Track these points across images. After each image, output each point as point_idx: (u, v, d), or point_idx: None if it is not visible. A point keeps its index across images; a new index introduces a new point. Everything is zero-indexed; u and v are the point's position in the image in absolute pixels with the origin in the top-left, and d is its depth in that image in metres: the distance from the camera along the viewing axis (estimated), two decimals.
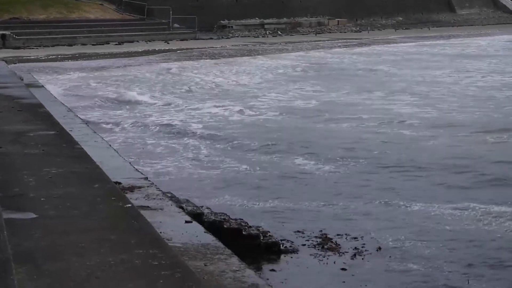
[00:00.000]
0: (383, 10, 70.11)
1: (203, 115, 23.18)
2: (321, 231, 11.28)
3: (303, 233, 11.22)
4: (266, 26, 61.13)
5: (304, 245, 10.68)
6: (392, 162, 16.28)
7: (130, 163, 12.09)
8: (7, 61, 31.17)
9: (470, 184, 14.40)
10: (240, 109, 24.02)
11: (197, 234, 8.09)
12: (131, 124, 21.50)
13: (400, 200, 13.11)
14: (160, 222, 8.26)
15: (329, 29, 64.09)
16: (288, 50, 48.71)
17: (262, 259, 9.89)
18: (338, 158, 16.53)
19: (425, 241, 10.91)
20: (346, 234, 11.19)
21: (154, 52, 45.98)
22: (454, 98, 26.80)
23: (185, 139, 19.22)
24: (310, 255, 10.27)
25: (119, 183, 9.68)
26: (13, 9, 50.08)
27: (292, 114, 23.25)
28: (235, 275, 6.87)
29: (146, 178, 10.56)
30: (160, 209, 8.91)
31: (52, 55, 42.58)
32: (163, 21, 54.56)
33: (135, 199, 9.05)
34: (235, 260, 7.29)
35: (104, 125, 21.23)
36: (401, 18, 70.87)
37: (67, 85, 29.85)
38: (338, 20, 65.72)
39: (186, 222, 8.53)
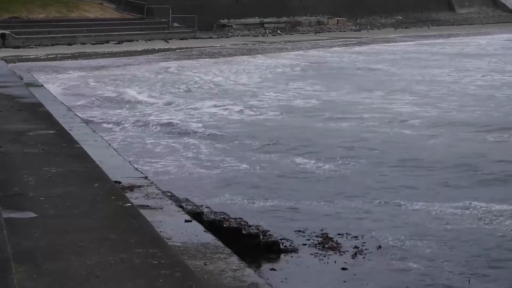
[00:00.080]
0: (383, 9, 70.12)
1: (203, 114, 23.18)
2: (322, 230, 11.27)
3: (303, 232, 11.22)
4: (265, 25, 61.13)
5: (305, 244, 10.67)
6: (393, 161, 16.28)
7: (129, 162, 12.08)
8: (7, 60, 31.16)
9: (470, 183, 14.41)
10: (240, 108, 24.02)
11: (197, 233, 8.09)
12: (130, 123, 21.50)
13: (400, 199, 13.11)
14: (160, 221, 8.26)
15: (329, 28, 64.10)
16: (287, 49, 48.70)
17: (262, 258, 9.89)
18: (338, 157, 16.53)
19: (425, 240, 10.90)
20: (346, 233, 11.19)
21: (153, 51, 45.98)
22: (454, 97, 26.79)
23: (185, 138, 19.22)
24: (311, 254, 10.27)
25: (119, 182, 9.67)
26: (13, 8, 50.07)
27: (292, 113, 23.25)
28: (234, 274, 6.87)
29: (146, 177, 10.55)
30: (160, 208, 8.91)
31: (51, 54, 42.57)
32: (163, 20, 54.56)
33: (135, 198, 9.04)
34: (234, 259, 7.28)
35: (104, 124, 21.22)
36: (400, 17, 70.87)
37: (66, 84, 29.85)
38: (337, 19, 65.73)
39: (186, 221, 8.53)
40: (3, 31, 46.23)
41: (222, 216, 10.50)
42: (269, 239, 10.28)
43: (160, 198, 9.35)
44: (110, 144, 13.62)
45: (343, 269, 9.71)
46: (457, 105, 24.79)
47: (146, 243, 5.85)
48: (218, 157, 16.80)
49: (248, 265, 7.40)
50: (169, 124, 21.26)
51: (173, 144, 18.38)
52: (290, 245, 10.48)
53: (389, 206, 12.76)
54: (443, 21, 73.07)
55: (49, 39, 47.83)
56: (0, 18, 48.73)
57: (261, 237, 10.22)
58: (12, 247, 5.65)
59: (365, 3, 68.51)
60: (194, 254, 7.37)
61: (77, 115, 16.66)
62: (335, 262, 9.93)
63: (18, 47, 45.25)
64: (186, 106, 24.96)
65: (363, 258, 10.17)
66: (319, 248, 10.47)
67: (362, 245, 10.62)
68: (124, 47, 47.63)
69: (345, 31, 63.45)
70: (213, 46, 49.25)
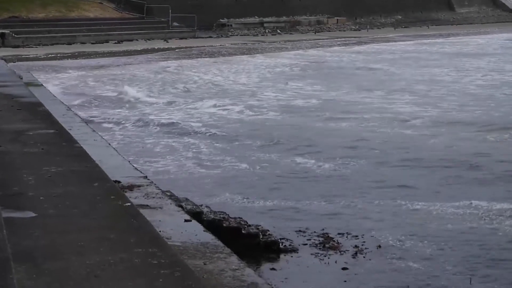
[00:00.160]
0: (383, 9, 70.08)
1: (203, 113, 23.18)
2: (322, 230, 11.27)
3: (303, 232, 11.21)
4: (265, 25, 61.11)
5: (305, 244, 10.66)
6: (393, 161, 16.28)
7: (129, 161, 12.08)
8: (6, 59, 31.17)
9: (471, 183, 14.40)
10: (240, 108, 24.01)
11: (197, 233, 8.09)
12: (130, 122, 21.50)
13: (401, 199, 13.11)
14: (160, 221, 8.26)
15: (328, 27, 64.08)
16: (287, 48, 48.69)
17: (262, 258, 9.89)
18: (338, 157, 16.52)
19: (426, 239, 10.90)
20: (346, 232, 11.19)
21: (153, 50, 45.97)
22: (454, 97, 26.78)
23: (185, 138, 19.22)
24: (311, 254, 10.26)
25: (119, 182, 9.68)
26: (13, 8, 50.05)
27: (292, 113, 23.24)
28: (234, 274, 6.87)
29: (146, 177, 10.55)
30: (160, 208, 8.91)
31: (51, 54, 42.56)
32: (163, 19, 54.53)
33: (135, 198, 9.04)
34: (234, 259, 7.28)
35: (104, 124, 21.22)
36: (400, 17, 70.85)
37: (66, 84, 29.85)
38: (337, 19, 65.70)
39: (186, 221, 8.53)
40: (3, 31, 46.21)
41: (221, 216, 10.50)
42: (269, 239, 10.28)
43: (159, 197, 9.35)
44: (109, 144, 13.61)
45: (344, 268, 9.71)
46: (457, 104, 24.78)
47: (146, 242, 5.85)
48: (218, 157, 16.80)
49: (248, 265, 7.40)
50: (169, 123, 21.25)
51: (173, 144, 18.38)
52: (289, 245, 10.47)
53: (390, 205, 12.76)
54: (443, 21, 73.05)
55: (49, 38, 47.81)
56: (0, 18, 48.70)
57: (261, 236, 10.22)
58: (12, 247, 5.65)
59: (364, 3, 68.49)
60: (194, 254, 7.37)
61: (76, 114, 16.65)
62: (335, 262, 9.93)
63: (18, 46, 45.23)
64: (185, 105, 24.96)
65: (364, 257, 10.17)
66: (319, 248, 10.47)
67: (362, 245, 10.62)
68: (124, 46, 47.61)
69: (344, 31, 63.42)
70: (212, 46, 49.23)
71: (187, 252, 7.38)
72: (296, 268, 9.79)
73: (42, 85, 22.64)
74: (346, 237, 11.01)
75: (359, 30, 64.46)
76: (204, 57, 42.32)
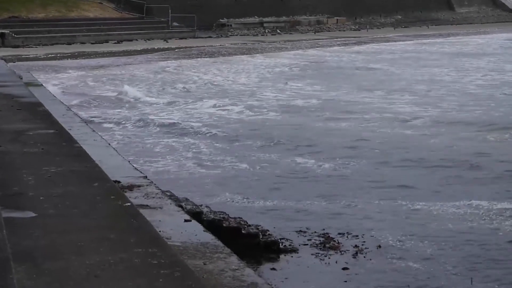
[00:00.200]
0: (382, 9, 70.09)
1: (202, 113, 23.18)
2: (322, 230, 11.27)
3: (303, 232, 11.21)
4: (265, 25, 61.11)
5: (305, 244, 10.66)
6: (393, 161, 16.27)
7: (129, 161, 12.08)
8: (6, 59, 31.16)
9: (471, 183, 14.40)
10: (240, 108, 24.02)
11: (196, 233, 8.08)
12: (130, 122, 21.50)
13: (401, 199, 13.11)
14: (159, 221, 8.25)
15: (328, 27, 64.09)
16: (287, 48, 48.70)
17: (262, 258, 9.89)
18: (339, 157, 16.52)
19: (427, 239, 10.89)
20: (347, 232, 11.19)
21: (153, 50, 45.97)
22: (454, 97, 26.78)
23: (185, 137, 19.21)
24: (311, 254, 10.26)
25: (118, 182, 9.67)
26: (12, 8, 50.05)
27: (292, 113, 23.24)
28: (234, 274, 6.86)
29: (145, 177, 10.55)
30: (159, 208, 8.90)
31: (51, 54, 42.56)
32: (162, 19, 54.54)
33: (134, 198, 9.04)
34: (234, 259, 7.28)
35: (103, 124, 21.22)
36: (400, 17, 70.85)
37: (66, 84, 29.85)
38: (337, 19, 65.71)
39: (185, 221, 8.52)
40: (3, 31, 46.21)
41: (221, 216, 10.50)
42: (269, 239, 10.28)
43: (159, 197, 9.35)
44: (109, 144, 13.61)
45: (344, 269, 9.70)
46: (457, 104, 24.78)
47: (146, 242, 5.85)
48: (218, 157, 16.80)
49: (248, 265, 7.40)
50: (169, 123, 21.25)
51: (173, 144, 18.38)
52: (289, 245, 10.47)
53: (390, 205, 12.75)
54: (443, 21, 73.05)
55: (49, 38, 47.82)
56: (0, 18, 48.70)
57: (261, 236, 10.22)
58: (12, 247, 5.65)
59: (364, 3, 68.49)
60: (194, 254, 7.37)
61: (76, 114, 16.65)
62: (336, 262, 9.92)
63: (18, 46, 45.23)
64: (185, 105, 24.96)
65: (364, 257, 10.16)
66: (320, 248, 10.46)
67: (363, 244, 10.61)
68: (124, 46, 47.62)
69: (344, 31, 63.43)
70: (212, 46, 49.24)
71: (187, 252, 7.38)
72: (296, 268, 9.79)
73: (42, 85, 22.64)
74: (347, 237, 11.01)
75: (359, 30, 64.46)
76: (204, 57, 42.32)
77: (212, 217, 10.24)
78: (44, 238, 5.94)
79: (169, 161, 16.44)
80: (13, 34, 46.41)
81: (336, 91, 28.24)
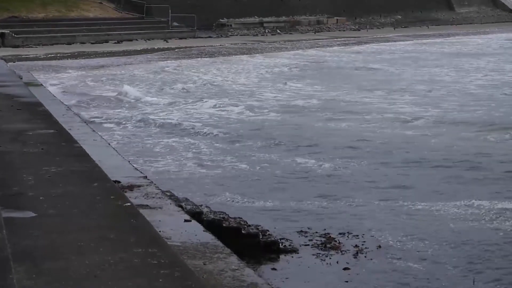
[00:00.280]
0: (382, 9, 70.10)
1: (202, 113, 23.17)
2: (323, 230, 11.26)
3: (304, 232, 11.20)
4: (265, 25, 61.11)
5: (306, 244, 10.65)
6: (394, 161, 16.26)
7: (129, 161, 12.09)
8: (6, 59, 31.17)
9: (472, 182, 14.39)
10: (240, 108, 24.01)
11: (196, 233, 8.08)
12: (130, 122, 21.49)
13: (402, 198, 13.10)
14: (159, 221, 8.25)
15: (328, 27, 64.09)
16: (287, 48, 48.69)
17: (262, 258, 9.88)
18: (339, 157, 16.51)
19: (428, 239, 10.88)
20: (347, 232, 11.18)
21: (153, 50, 45.96)
22: (454, 97, 26.78)
23: (185, 137, 19.21)
24: (312, 254, 10.25)
25: (118, 182, 9.67)
26: (12, 8, 50.05)
27: (293, 113, 23.23)
28: (234, 274, 6.86)
29: (145, 177, 10.55)
30: (159, 208, 8.90)
31: (51, 54, 42.55)
32: (162, 19, 54.53)
33: (134, 198, 9.04)
34: (234, 259, 7.28)
35: (103, 124, 21.22)
36: (400, 17, 70.86)
37: (66, 84, 29.85)
38: (337, 19, 65.71)
39: (185, 221, 8.52)
40: (3, 31, 46.20)
41: (221, 216, 10.50)
42: (269, 239, 10.28)
43: (159, 197, 9.35)
44: (109, 144, 13.62)
45: (345, 269, 9.70)
46: (458, 105, 24.78)
47: (146, 242, 5.85)
48: (218, 157, 16.80)
49: (248, 265, 7.40)
50: (169, 123, 21.24)
51: (173, 144, 18.37)
52: (289, 245, 10.46)
53: (391, 205, 12.75)
54: (443, 21, 73.07)
55: (49, 38, 47.81)
56: (0, 18, 48.69)
57: (261, 236, 10.22)
58: (12, 247, 5.65)
59: (364, 3, 68.50)
60: (194, 254, 7.36)
61: (76, 114, 16.66)
62: (337, 262, 9.91)
63: (18, 46, 45.23)
64: (185, 105, 24.95)
65: (365, 257, 10.16)
66: (320, 248, 10.45)
67: (363, 244, 10.60)
68: (124, 46, 47.61)
69: (344, 31, 63.44)
70: (212, 46, 49.23)
71: (187, 252, 7.38)
72: (297, 268, 9.78)
73: (42, 85, 22.66)
74: (347, 236, 11.00)
75: (359, 30, 64.47)
76: (204, 57, 42.32)
77: (212, 217, 10.24)
78: (44, 238, 5.94)
79: (169, 161, 16.43)
80: (13, 34, 46.41)
81: (336, 91, 28.23)
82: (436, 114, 22.72)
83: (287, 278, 9.43)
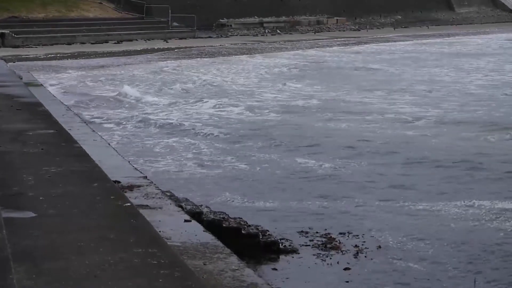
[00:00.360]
0: (382, 9, 70.09)
1: (202, 114, 23.17)
2: (323, 230, 11.26)
3: (304, 232, 11.20)
4: (265, 25, 61.10)
5: (306, 244, 10.64)
6: (395, 161, 16.26)
7: (129, 162, 12.09)
8: (6, 60, 31.16)
9: (473, 182, 14.39)
10: (240, 108, 24.01)
11: (196, 233, 8.08)
12: (130, 123, 21.49)
13: (403, 199, 13.10)
14: (159, 221, 8.25)
15: (328, 27, 64.09)
16: (287, 48, 48.69)
17: (262, 258, 9.88)
18: (339, 157, 16.51)
19: (429, 239, 10.88)
20: (348, 232, 11.18)
21: (153, 50, 45.96)
22: (454, 97, 26.78)
23: (185, 138, 19.21)
24: (313, 255, 10.24)
25: (118, 182, 9.67)
26: (12, 8, 50.04)
27: (293, 113, 23.23)
28: (234, 274, 6.86)
29: (145, 177, 10.55)
30: (159, 208, 8.90)
31: (51, 54, 42.55)
32: (162, 19, 54.52)
33: (134, 198, 9.04)
34: (234, 259, 7.28)
35: (103, 124, 21.22)
36: (400, 17, 70.86)
37: (66, 84, 29.84)
38: (337, 19, 65.71)
39: (185, 221, 8.52)
40: (3, 31, 46.18)
41: (221, 216, 10.50)
42: (269, 239, 10.28)
43: (159, 197, 9.35)
44: (109, 144, 13.62)
45: (346, 269, 9.69)
46: (458, 105, 24.78)
47: (146, 242, 5.85)
48: (218, 157, 16.80)
49: (248, 265, 7.40)
50: (169, 124, 21.25)
51: (173, 144, 18.37)
52: (289, 245, 10.46)
53: (392, 205, 12.74)
54: (443, 21, 73.06)
55: (49, 38, 47.79)
56: (0, 18, 48.69)
57: (261, 237, 10.22)
58: (12, 247, 5.65)
59: (364, 3, 68.49)
60: (194, 254, 7.36)
61: (76, 114, 16.66)
62: (337, 262, 9.91)
63: (18, 46, 45.21)
64: (185, 105, 24.95)
65: (365, 257, 10.15)
66: (321, 249, 10.45)
67: (363, 244, 10.60)
68: (124, 46, 47.61)
69: (344, 31, 63.43)
70: (212, 46, 49.23)
71: (187, 252, 7.38)
72: (297, 268, 9.78)
73: (42, 85, 22.66)
74: (348, 236, 11.00)
75: (359, 30, 64.47)
76: (203, 57, 42.31)
77: (212, 217, 10.24)
78: (44, 238, 5.94)
79: (169, 161, 16.43)
80: (13, 34, 46.40)
81: (336, 92, 28.23)
82: (436, 114, 22.72)
83: (287, 278, 9.43)
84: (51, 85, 27.60)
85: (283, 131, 19.83)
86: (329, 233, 11.07)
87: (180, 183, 14.29)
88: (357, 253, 10.28)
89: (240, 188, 14.00)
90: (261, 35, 58.34)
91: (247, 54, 44.65)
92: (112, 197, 7.27)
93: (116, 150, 12.82)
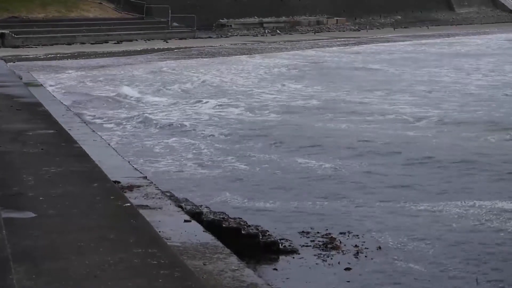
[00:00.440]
0: (382, 9, 70.09)
1: (202, 114, 23.17)
2: (324, 230, 11.26)
3: (304, 232, 11.19)
4: (265, 25, 61.10)
5: (306, 244, 10.63)
6: (396, 161, 16.26)
7: (129, 162, 12.09)
8: (6, 60, 31.17)
9: (474, 183, 14.39)
10: (240, 108, 24.01)
11: (196, 233, 8.08)
12: (130, 123, 21.49)
13: (403, 199, 13.09)
14: (159, 221, 8.25)
15: (328, 28, 64.09)
16: (287, 49, 48.69)
17: (262, 258, 9.88)
18: (340, 157, 16.50)
19: (429, 240, 10.87)
20: (348, 232, 11.18)
21: (153, 51, 45.97)
22: (454, 98, 26.77)
23: (185, 138, 19.21)
24: (313, 255, 10.24)
25: (118, 182, 9.67)
26: (12, 8, 50.04)
27: (293, 113, 23.22)
28: (234, 274, 6.86)
29: (145, 177, 10.55)
30: (159, 208, 8.90)
31: (51, 54, 42.55)
32: (162, 20, 54.53)
33: (134, 198, 9.04)
34: (234, 259, 7.28)
35: (103, 124, 21.22)
36: (400, 17, 70.86)
37: (66, 84, 29.85)
38: (337, 19, 65.71)
39: (185, 221, 8.52)
40: (3, 31, 46.19)
41: (221, 216, 10.50)
42: (268, 239, 10.28)
43: (159, 198, 9.34)
44: (109, 144, 13.62)
45: (347, 269, 9.69)
46: (458, 105, 24.77)
47: (146, 243, 5.85)
48: (218, 157, 16.79)
49: (248, 265, 7.40)
50: (169, 124, 21.24)
51: (173, 144, 18.37)
52: (289, 245, 10.46)
53: (392, 205, 12.74)
54: (443, 21, 73.06)
55: (48, 38, 47.80)
56: (0, 18, 48.69)
57: (260, 237, 10.22)
58: (12, 247, 5.65)
59: (364, 3, 68.49)
60: (193, 254, 7.36)
61: (76, 114, 16.66)
62: (338, 262, 9.91)
63: (17, 46, 45.22)
64: (185, 106, 24.95)
65: (365, 257, 10.15)
66: (321, 249, 10.45)
67: (362, 245, 10.60)
68: (124, 46, 47.61)
69: (344, 31, 63.43)
70: (212, 46, 49.23)
71: (187, 253, 7.38)
72: (298, 269, 9.77)
73: (41, 85, 22.66)
74: (348, 236, 10.99)
75: (359, 30, 64.47)
76: (203, 58, 42.32)
77: (212, 217, 10.24)
78: (44, 238, 5.94)
79: (169, 161, 16.43)
80: (13, 34, 46.40)
81: (336, 92, 28.22)
82: (436, 114, 22.70)
83: (287, 279, 9.42)
84: (51, 85, 27.61)
85: (283, 131, 19.82)
86: (329, 233, 11.07)
87: (180, 183, 14.29)
88: (358, 253, 10.28)
89: (240, 188, 14.00)
90: (261, 35, 58.34)
91: (247, 54, 44.66)
92: (112, 197, 7.27)
93: (116, 150, 12.82)
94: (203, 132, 19.90)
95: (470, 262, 10.10)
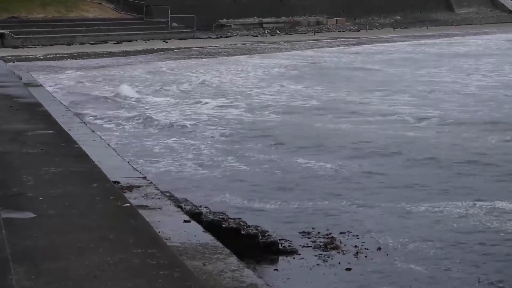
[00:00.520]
0: (382, 9, 70.11)
1: (202, 114, 23.16)
2: (324, 230, 11.25)
3: (305, 232, 11.19)
4: (264, 25, 61.11)
5: (306, 244, 10.63)
6: (396, 161, 16.26)
7: (128, 162, 12.08)
8: (6, 60, 31.16)
9: (474, 183, 14.39)
10: (240, 109, 24.01)
11: (196, 233, 8.08)
12: (129, 123, 21.49)
13: (404, 199, 13.09)
14: (159, 221, 8.25)
15: (328, 28, 64.09)
16: (286, 49, 48.69)
17: (262, 258, 9.87)
18: (341, 158, 16.50)
19: (430, 240, 10.86)
20: (348, 231, 11.18)
21: (152, 51, 45.97)
22: (454, 98, 26.77)
23: (184, 138, 19.20)
24: (314, 255, 10.23)
25: (118, 182, 9.66)
26: (12, 8, 50.03)
27: (293, 114, 23.22)
28: (233, 274, 6.86)
29: (145, 178, 10.54)
30: (159, 208, 8.90)
31: (50, 54, 42.55)
32: (162, 20, 54.53)
33: (134, 198, 9.03)
34: (233, 259, 7.27)
35: (103, 124, 21.22)
36: (399, 17, 70.87)
37: (65, 84, 29.85)
38: (336, 19, 65.72)
39: (185, 221, 8.52)
40: (2, 31, 46.20)
41: (221, 217, 10.49)
42: (268, 240, 10.27)
43: (159, 198, 9.34)
44: (109, 144, 13.61)
45: (347, 269, 9.68)
46: (458, 105, 24.77)
47: (145, 243, 5.84)
48: (217, 157, 16.79)
49: (247, 266, 7.39)
50: (168, 124, 21.24)
51: (172, 144, 18.36)
52: (289, 246, 10.45)
53: (393, 206, 12.73)
54: (442, 21, 73.07)
55: (48, 39, 47.80)
56: None
57: (260, 237, 10.21)
58: (11, 247, 5.64)
59: (364, 3, 68.51)
60: (193, 255, 7.36)
61: (76, 115, 16.66)
62: (339, 263, 9.91)
63: (17, 47, 45.22)
64: (185, 106, 24.95)
65: (365, 257, 10.15)
66: (322, 249, 10.45)
67: (362, 245, 10.59)
68: (123, 47, 47.61)
69: (344, 31, 63.44)
70: (212, 46, 49.23)
71: (187, 253, 7.37)
72: (298, 269, 9.76)
73: (41, 85, 22.65)
74: (348, 236, 10.99)
75: (358, 30, 64.48)
76: (203, 58, 42.32)
77: (212, 217, 10.23)
78: (44, 239, 5.93)
79: (169, 161, 16.43)
80: (12, 35, 46.41)
81: (336, 92, 28.22)
82: (437, 115, 22.70)
83: (288, 279, 9.42)
84: (50, 85, 27.59)
85: (284, 132, 19.82)
86: (330, 233, 11.06)
87: (179, 183, 14.29)
88: (358, 253, 10.28)
89: (240, 189, 13.99)
90: (261, 36, 58.34)
91: (246, 54, 44.66)
92: (111, 197, 7.26)
93: (115, 151, 12.82)
94: (203, 132, 19.89)
95: (471, 263, 10.09)
